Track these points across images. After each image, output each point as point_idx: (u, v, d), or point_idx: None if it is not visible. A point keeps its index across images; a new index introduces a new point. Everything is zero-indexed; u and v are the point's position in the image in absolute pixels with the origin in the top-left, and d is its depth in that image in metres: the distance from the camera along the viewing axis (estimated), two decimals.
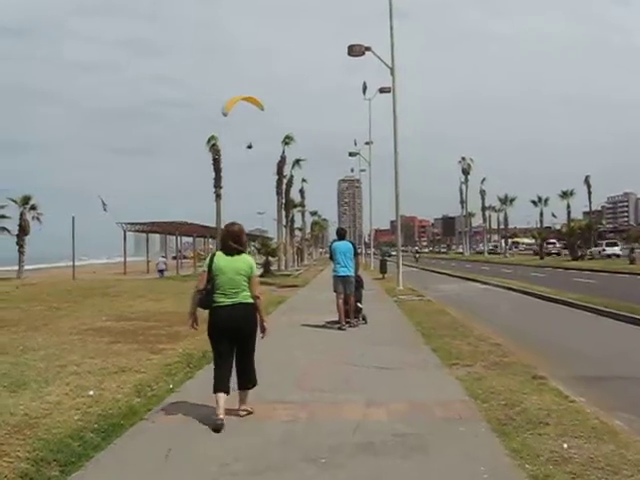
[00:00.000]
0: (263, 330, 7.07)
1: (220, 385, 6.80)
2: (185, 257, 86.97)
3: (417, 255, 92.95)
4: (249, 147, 44.10)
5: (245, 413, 7.01)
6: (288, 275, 43.89)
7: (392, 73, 25.95)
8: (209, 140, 45.78)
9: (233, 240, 6.99)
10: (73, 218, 35.06)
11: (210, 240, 74.57)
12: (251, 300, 6.91)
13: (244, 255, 7.05)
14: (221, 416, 6.54)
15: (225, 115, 33.96)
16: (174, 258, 64.95)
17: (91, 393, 7.58)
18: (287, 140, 54.75)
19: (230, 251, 6.95)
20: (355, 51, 25.88)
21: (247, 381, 7.07)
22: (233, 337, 6.93)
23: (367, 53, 26.18)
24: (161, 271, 48.01)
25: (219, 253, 7.02)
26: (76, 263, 44.87)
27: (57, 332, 12.85)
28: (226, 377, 6.88)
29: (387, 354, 10.65)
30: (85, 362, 9.50)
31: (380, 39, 26.40)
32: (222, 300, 6.86)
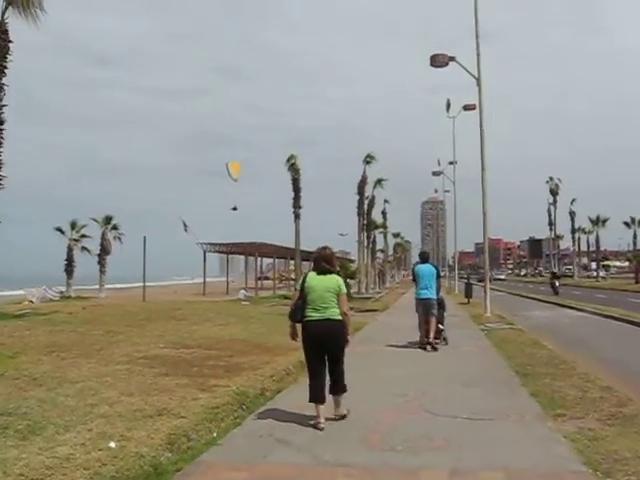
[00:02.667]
0: (346, 343, 7.86)
1: (316, 396, 7.62)
2: (267, 278, 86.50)
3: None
4: (234, 209, 43.92)
5: (339, 417, 7.80)
6: (368, 298, 42.27)
7: (478, 84, 24.22)
8: (288, 159, 44.86)
9: (325, 261, 7.89)
10: (144, 238, 34.51)
11: (291, 261, 73.55)
12: (339, 316, 7.68)
13: (334, 275, 7.89)
14: (322, 420, 7.48)
15: (236, 181, 33.57)
16: (258, 279, 64.21)
17: (112, 445, 6.21)
18: (368, 159, 53.38)
19: (322, 271, 7.83)
20: (438, 61, 24.26)
21: (339, 388, 7.85)
22: (323, 349, 7.70)
23: (450, 66, 24.61)
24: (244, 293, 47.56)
25: (311, 273, 7.91)
26: (161, 283, 44.63)
27: (107, 360, 11.68)
28: (320, 388, 7.66)
29: (475, 398, 8.98)
30: (121, 400, 8.19)
31: (465, 60, 24.77)
32: (313, 315, 7.68)
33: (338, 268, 8.63)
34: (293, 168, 44.91)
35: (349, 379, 8.09)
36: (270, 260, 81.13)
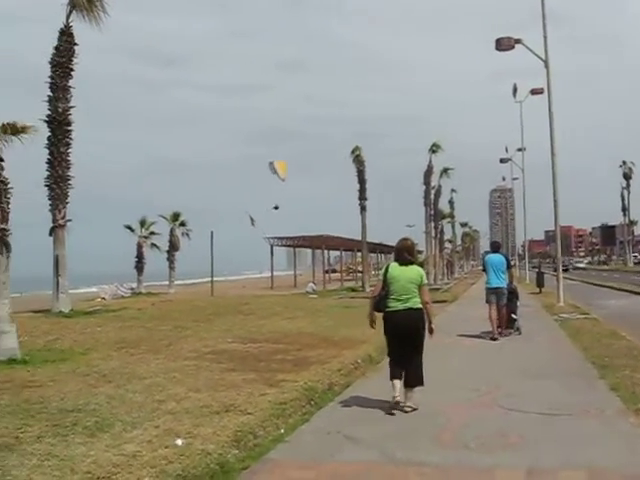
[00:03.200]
0: (431, 331, 8.07)
1: (395, 374, 7.91)
2: (335, 271, 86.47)
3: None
4: (276, 208, 43.59)
5: (410, 410, 7.76)
6: (437, 289, 41.70)
7: (546, 66, 23.49)
8: (353, 151, 44.50)
9: (406, 251, 8.12)
10: (211, 233, 34.81)
11: (358, 254, 73.18)
12: (420, 305, 7.89)
13: (415, 266, 8.11)
14: (397, 394, 7.77)
15: (284, 180, 33.38)
16: (326, 272, 64.20)
17: (179, 442, 6.12)
18: (434, 148, 52.66)
19: (404, 262, 8.03)
20: (504, 44, 23.62)
21: (415, 380, 7.91)
22: (404, 337, 7.89)
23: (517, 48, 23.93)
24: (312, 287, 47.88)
25: (393, 264, 8.13)
26: (231, 277, 45.03)
27: (175, 355, 11.72)
28: (399, 368, 7.92)
29: (551, 392, 8.62)
30: (189, 397, 8.13)
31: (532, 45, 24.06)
32: (395, 305, 7.89)
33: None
34: (358, 160, 44.53)
35: (427, 370, 8.09)
36: (337, 253, 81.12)
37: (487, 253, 16.10)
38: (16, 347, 11.62)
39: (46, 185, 20.03)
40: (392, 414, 7.67)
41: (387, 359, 8.34)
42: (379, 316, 8.12)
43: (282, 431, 6.96)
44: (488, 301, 15.03)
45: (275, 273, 59.45)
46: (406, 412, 7.69)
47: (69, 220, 20.19)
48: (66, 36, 20.17)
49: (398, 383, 7.84)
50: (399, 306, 7.85)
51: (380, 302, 8.00)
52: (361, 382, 9.86)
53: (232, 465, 5.76)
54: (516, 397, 8.30)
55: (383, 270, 8.31)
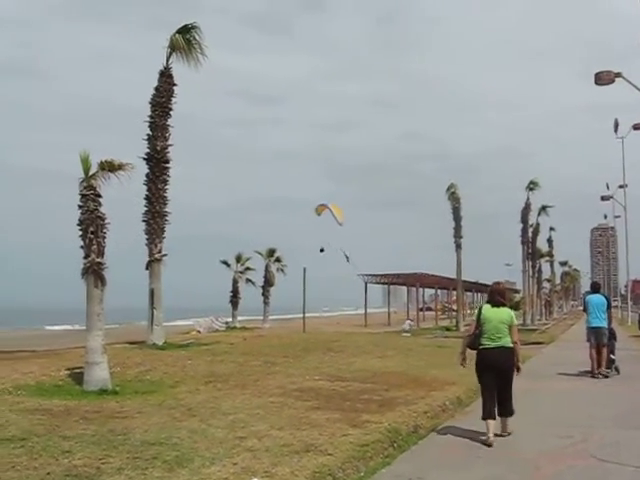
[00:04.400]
0: (518, 370, 8.73)
1: (488, 414, 8.42)
2: (430, 309, 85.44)
3: None
4: (321, 251, 43.03)
5: (507, 435, 8.62)
6: (533, 330, 40.44)
7: None
8: (448, 188, 44.10)
9: (499, 294, 8.89)
10: (304, 269, 34.86)
11: (453, 292, 71.94)
12: (511, 345, 8.57)
13: (506, 308, 8.81)
14: (491, 436, 8.22)
15: (318, 215, 33.16)
16: (420, 310, 63.51)
17: None
18: (532, 186, 51.53)
19: (496, 304, 8.75)
20: (603, 79, 22.99)
21: (507, 411, 8.65)
22: (496, 373, 8.51)
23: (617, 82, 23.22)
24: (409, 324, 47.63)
25: (486, 305, 8.86)
26: (327, 314, 44.96)
27: (261, 391, 11.68)
28: (492, 406, 8.48)
29: None
30: (270, 434, 8.05)
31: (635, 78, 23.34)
32: (488, 343, 8.56)
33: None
34: (453, 197, 44.07)
35: (516, 416, 8.50)
36: (432, 291, 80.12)
37: (588, 293, 16.84)
38: (107, 378, 11.89)
39: (143, 220, 20.62)
40: (489, 445, 8.14)
41: (476, 402, 9.25)
42: (471, 353, 8.83)
43: (362, 474, 6.81)
44: (589, 340, 15.63)
45: (370, 310, 59.20)
46: (504, 437, 8.55)
47: (165, 255, 20.66)
48: (165, 77, 20.83)
49: (492, 424, 8.34)
50: (492, 344, 8.53)
51: (474, 340, 8.70)
52: (448, 425, 9.56)
53: None
54: (611, 447, 7.85)
55: (477, 311, 9.10)
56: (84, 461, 6.55)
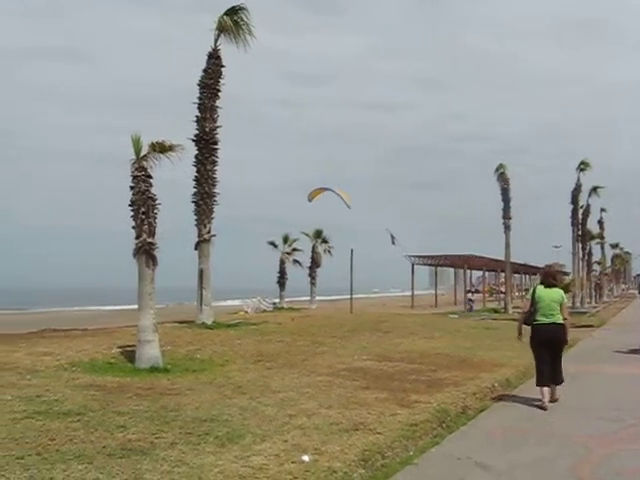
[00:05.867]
0: (566, 343, 10.06)
1: (542, 381, 9.52)
2: (477, 291, 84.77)
3: None
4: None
5: (556, 400, 9.58)
6: (583, 313, 39.85)
7: None
8: (497, 169, 43.45)
9: (551, 276, 10.04)
10: (352, 250, 34.78)
11: (501, 274, 71.14)
12: (562, 321, 9.61)
13: (557, 288, 9.92)
14: (546, 401, 9.27)
15: (310, 201, 32.81)
16: (468, 292, 63.02)
17: (305, 458, 6.10)
18: (582, 167, 50.46)
19: (548, 284, 9.83)
20: None
21: (557, 379, 9.74)
22: (549, 346, 9.61)
23: None
24: (471, 301, 48.80)
25: (540, 286, 9.92)
26: (373, 295, 44.91)
27: (310, 371, 11.78)
28: (546, 375, 9.51)
29: None
30: (319, 412, 8.12)
31: None
32: (541, 319, 9.62)
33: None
34: (502, 178, 43.42)
35: (561, 398, 9.12)
36: (480, 273, 79.39)
37: (639, 276, 15.84)
38: (158, 356, 12.10)
39: (193, 201, 20.80)
40: (544, 409, 9.16)
41: (525, 384, 10.45)
42: (526, 329, 9.86)
43: (411, 453, 6.83)
44: None
45: (417, 292, 58.94)
46: (554, 401, 9.53)
47: (214, 235, 20.82)
48: (214, 59, 20.91)
49: (546, 390, 9.36)
50: (545, 320, 9.57)
51: (529, 317, 9.78)
52: (497, 407, 9.54)
53: None
54: None
55: (531, 291, 10.22)
56: (138, 436, 6.70)
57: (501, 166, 43.72)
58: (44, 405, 7.98)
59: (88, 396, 8.70)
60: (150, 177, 12.85)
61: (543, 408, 9.13)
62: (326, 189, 33.81)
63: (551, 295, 9.67)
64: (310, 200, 34.11)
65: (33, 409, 7.71)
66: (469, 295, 51.09)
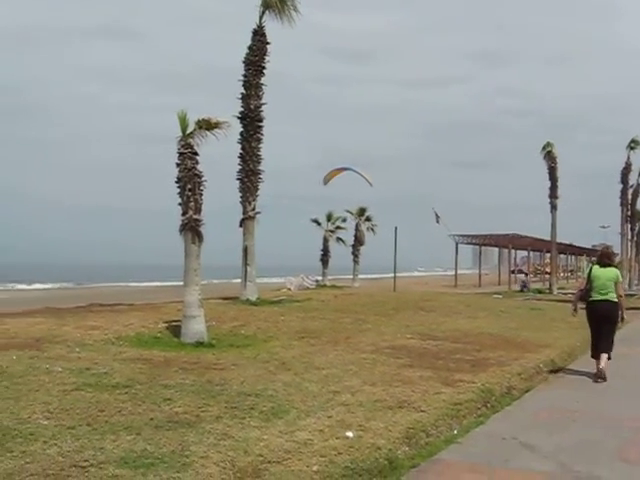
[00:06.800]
0: (622, 320, 10.50)
1: (596, 353, 10.25)
2: (521, 272, 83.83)
3: None
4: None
5: (604, 367, 10.03)
6: (632, 295, 39.19)
7: None
8: (544, 147, 42.76)
9: (606, 257, 10.62)
10: (395, 229, 34.76)
11: (546, 254, 70.18)
12: (616, 299, 10.21)
13: (612, 267, 10.50)
14: (601, 367, 10.01)
15: (325, 184, 32.28)
16: (512, 272, 62.35)
17: (349, 434, 6.13)
18: (632, 145, 49.35)
19: (604, 264, 10.42)
20: None
21: (607, 350, 10.23)
22: (603, 322, 10.22)
23: None
24: (525, 281, 49.10)
25: (595, 266, 10.54)
26: (416, 273, 44.80)
27: (353, 348, 11.79)
28: (598, 348, 10.21)
29: None
30: (363, 389, 8.14)
31: None
32: (596, 296, 10.21)
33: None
34: (549, 156, 42.71)
35: (609, 380, 9.29)
36: (524, 253, 78.46)
37: None
38: (204, 331, 12.24)
39: (238, 178, 20.90)
40: (597, 382, 9.85)
41: (571, 365, 11.20)
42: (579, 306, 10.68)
43: (455, 432, 6.82)
44: None
45: (460, 271, 58.56)
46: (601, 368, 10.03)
47: (258, 212, 20.92)
48: (259, 36, 20.89)
49: (600, 360, 10.08)
50: (600, 297, 10.18)
51: (585, 294, 10.46)
52: (542, 388, 9.48)
53: (401, 462, 5.69)
54: None
55: (588, 270, 11.01)
56: (184, 409, 6.80)
57: (548, 144, 43.02)
58: (93, 377, 8.14)
59: (135, 369, 8.85)
60: (196, 154, 12.92)
61: (599, 376, 9.86)
62: (344, 169, 33.72)
63: (607, 274, 10.24)
64: (326, 183, 34.03)
65: (82, 381, 7.86)
66: (522, 276, 50.49)
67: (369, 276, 66.43)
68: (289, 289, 34.43)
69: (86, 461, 5.09)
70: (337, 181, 33.84)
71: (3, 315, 14.69)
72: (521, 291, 43.54)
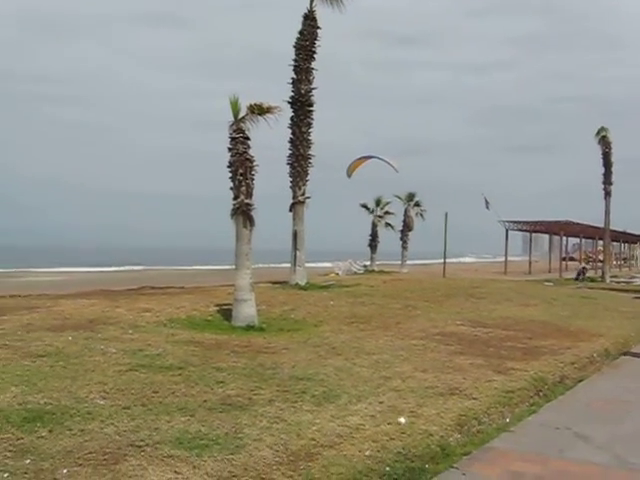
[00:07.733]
0: None
1: None
2: (573, 259, 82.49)
3: None
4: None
5: None
6: None
7: None
8: (598, 132, 41.90)
9: None
10: (446, 214, 34.52)
11: (599, 242, 68.90)
12: None
13: None
14: None
15: (349, 177, 31.70)
16: (563, 259, 61.36)
17: (401, 420, 6.13)
18: None
19: None
20: None
21: None
22: None
23: None
24: (584, 270, 47.49)
25: None
26: (465, 259, 44.51)
27: (403, 334, 11.77)
28: None
29: None
30: (414, 376, 8.12)
31: None
32: None
33: None
34: (604, 141, 41.87)
35: None
36: (576, 240, 77.21)
37: None
38: (254, 315, 12.34)
39: (288, 163, 20.96)
40: None
41: (626, 354, 10.55)
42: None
43: (507, 420, 6.76)
44: None
45: (510, 258, 57.86)
46: None
47: (308, 197, 20.96)
48: (309, 20, 20.88)
49: None
50: None
51: None
52: (596, 378, 9.33)
53: (453, 449, 5.67)
54: None
55: None
56: (237, 391, 6.88)
57: (603, 129, 42.16)
58: (147, 359, 8.28)
59: (188, 351, 8.97)
60: (248, 139, 12.99)
61: None
62: (369, 157, 33.41)
63: None
64: (349, 175, 33.79)
65: (136, 362, 8.01)
66: (580, 264, 49.64)
67: (417, 262, 66.08)
68: (337, 274, 34.46)
69: (142, 441, 5.20)
70: (384, 164, 33.38)
71: (58, 297, 15.05)
72: (576, 279, 42.77)
